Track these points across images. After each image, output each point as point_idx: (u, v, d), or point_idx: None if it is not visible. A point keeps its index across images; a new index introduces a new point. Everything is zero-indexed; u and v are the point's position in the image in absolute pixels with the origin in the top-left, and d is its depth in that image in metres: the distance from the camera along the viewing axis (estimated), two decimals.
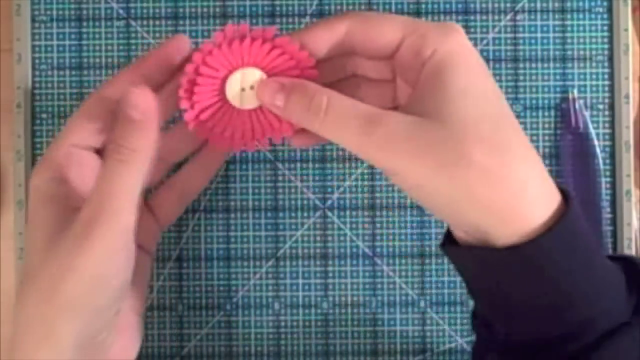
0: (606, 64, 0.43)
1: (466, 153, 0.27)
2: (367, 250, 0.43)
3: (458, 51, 0.29)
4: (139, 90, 0.30)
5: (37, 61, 0.43)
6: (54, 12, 0.43)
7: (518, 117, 0.43)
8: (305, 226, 0.43)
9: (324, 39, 0.32)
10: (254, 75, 0.32)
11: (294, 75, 0.32)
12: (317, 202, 0.43)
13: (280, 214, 0.43)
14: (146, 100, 0.30)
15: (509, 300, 0.30)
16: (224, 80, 0.33)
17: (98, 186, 0.30)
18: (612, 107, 0.43)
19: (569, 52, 0.43)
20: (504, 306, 0.31)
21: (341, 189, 0.43)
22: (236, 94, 0.33)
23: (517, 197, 0.28)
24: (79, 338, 0.30)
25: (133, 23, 0.43)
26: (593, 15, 0.43)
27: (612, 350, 0.29)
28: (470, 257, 0.31)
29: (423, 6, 0.43)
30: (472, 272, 0.32)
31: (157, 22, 0.43)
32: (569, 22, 0.43)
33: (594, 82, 0.43)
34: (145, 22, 0.43)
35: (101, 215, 0.29)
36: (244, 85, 0.32)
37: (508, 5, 0.43)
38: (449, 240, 0.32)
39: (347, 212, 0.43)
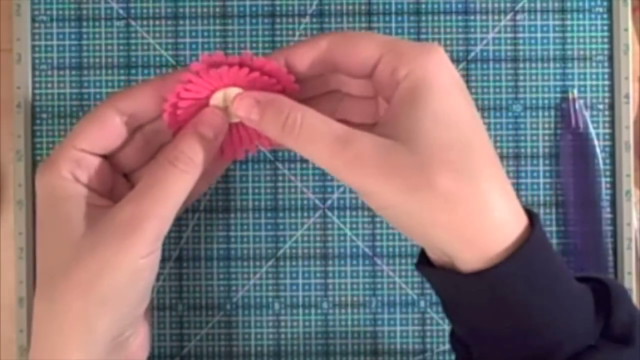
0: (606, 64, 0.43)
1: (431, 178, 0.28)
2: (367, 250, 0.43)
3: (433, 73, 0.29)
4: (215, 111, 0.32)
5: (37, 61, 0.43)
6: (54, 12, 0.43)
7: (518, 117, 0.43)
8: (305, 226, 0.43)
9: (305, 55, 0.32)
10: (234, 92, 0.33)
11: (275, 91, 0.33)
12: (317, 202, 0.43)
13: (280, 214, 0.43)
14: (220, 122, 0.32)
15: (477, 323, 0.31)
16: (206, 100, 0.33)
17: (150, 186, 0.30)
18: (612, 107, 0.43)
19: (569, 52, 0.43)
20: (473, 328, 0.31)
21: (341, 189, 0.43)
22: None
23: (480, 223, 0.28)
24: (111, 334, 0.31)
25: (133, 23, 0.43)
26: (593, 15, 0.43)
27: None
28: (439, 278, 0.31)
29: (423, 6, 0.43)
30: (443, 294, 0.32)
31: (157, 22, 0.43)
32: (569, 22, 0.43)
33: (594, 82, 0.43)
34: (145, 22, 0.43)
35: (150, 216, 0.30)
36: (226, 102, 0.33)
37: (508, 5, 0.43)
38: (424, 259, 0.32)
39: (347, 212, 0.43)
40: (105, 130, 0.32)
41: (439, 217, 0.28)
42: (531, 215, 0.30)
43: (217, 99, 0.33)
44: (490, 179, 0.29)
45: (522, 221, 0.30)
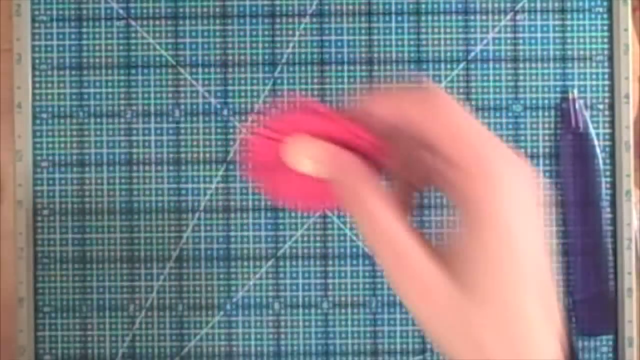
0: (606, 64, 0.43)
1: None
2: (367, 250, 0.43)
3: (490, 207, 0.28)
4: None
5: (37, 61, 0.43)
6: (54, 12, 0.43)
7: (518, 117, 0.43)
8: (305, 226, 0.43)
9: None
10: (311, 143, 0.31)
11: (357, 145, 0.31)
12: None
13: (280, 214, 0.43)
14: None
15: None
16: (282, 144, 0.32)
17: None
18: (612, 107, 0.43)
19: (569, 52, 0.43)
20: None
21: None
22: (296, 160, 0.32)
23: None
24: None
25: (133, 23, 0.43)
26: (593, 15, 0.43)
27: None
28: None
29: (423, 6, 0.43)
30: None
31: (157, 22, 0.43)
32: (569, 22, 0.43)
33: (594, 82, 0.43)
34: (145, 22, 0.43)
35: None
36: (302, 153, 0.32)
37: (508, 5, 0.43)
38: None
39: (347, 212, 0.43)
40: None
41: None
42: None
43: (292, 146, 0.31)
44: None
45: None
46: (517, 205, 0.28)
